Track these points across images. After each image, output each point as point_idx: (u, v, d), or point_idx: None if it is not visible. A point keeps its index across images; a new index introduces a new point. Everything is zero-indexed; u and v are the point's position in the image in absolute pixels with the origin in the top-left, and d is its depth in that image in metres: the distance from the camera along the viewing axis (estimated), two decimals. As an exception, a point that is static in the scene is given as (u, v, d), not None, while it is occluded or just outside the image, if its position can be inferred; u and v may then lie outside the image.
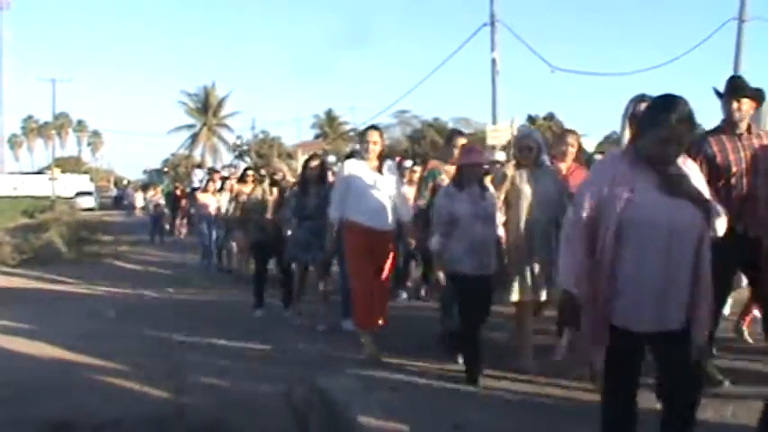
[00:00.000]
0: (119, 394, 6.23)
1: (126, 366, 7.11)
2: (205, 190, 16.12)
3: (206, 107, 74.62)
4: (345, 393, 5.14)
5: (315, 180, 9.14)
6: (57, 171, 62.00)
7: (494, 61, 23.85)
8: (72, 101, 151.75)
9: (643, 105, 5.03)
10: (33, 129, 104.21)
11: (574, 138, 7.34)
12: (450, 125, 55.08)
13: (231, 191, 13.73)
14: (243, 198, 12.66)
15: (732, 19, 21.13)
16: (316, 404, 5.14)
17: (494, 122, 23.92)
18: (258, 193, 11.01)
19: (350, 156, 8.73)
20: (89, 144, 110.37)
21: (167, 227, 26.51)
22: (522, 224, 6.42)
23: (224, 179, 16.86)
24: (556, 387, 6.04)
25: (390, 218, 7.28)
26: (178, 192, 27.96)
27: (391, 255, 7.49)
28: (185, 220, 26.07)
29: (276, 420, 5.39)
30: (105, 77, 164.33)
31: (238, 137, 65.81)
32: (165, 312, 10.47)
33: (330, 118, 69.64)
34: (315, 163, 9.34)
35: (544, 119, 45.45)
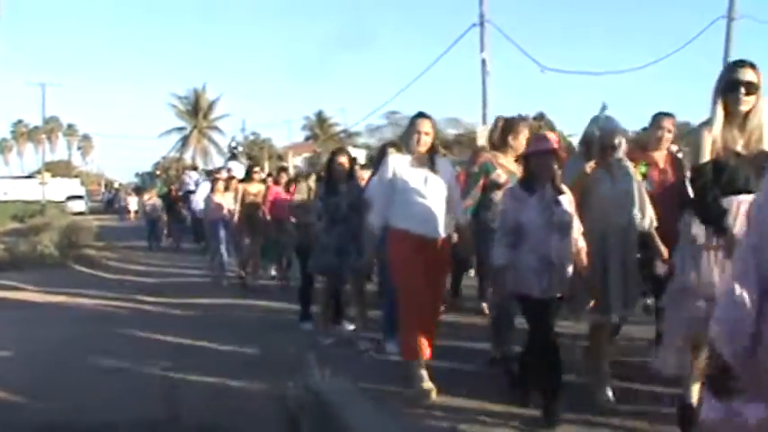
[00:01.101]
0: (112, 398, 6.21)
1: (119, 370, 7.09)
2: (212, 191, 14.74)
3: (196, 110, 74.50)
4: (339, 395, 5.14)
5: (344, 177, 8.16)
6: (47, 175, 61.89)
7: (483, 61, 23.85)
8: (62, 105, 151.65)
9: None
10: (23, 133, 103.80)
11: (669, 121, 6.52)
12: (441, 125, 55.19)
13: (236, 191, 13.19)
14: (250, 198, 12.64)
15: (721, 17, 21.24)
16: (309, 406, 5.14)
17: (484, 122, 23.92)
18: (303, 191, 9.99)
19: (383, 149, 7.95)
20: (79, 148, 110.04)
21: (165, 231, 24.87)
22: (596, 232, 5.41)
23: (230, 179, 15.63)
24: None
25: (445, 223, 6.12)
26: (172, 194, 26.17)
27: (447, 267, 6.58)
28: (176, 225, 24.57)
29: (269, 422, 5.37)
30: (95, 81, 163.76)
31: (233, 138, 65.77)
32: (159, 317, 10.45)
33: (321, 119, 69.75)
34: (343, 158, 8.25)
35: (534, 118, 45.27)
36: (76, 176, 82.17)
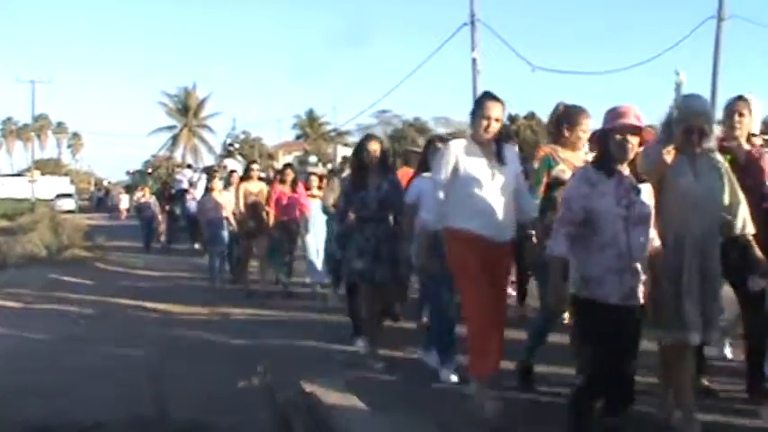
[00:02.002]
0: (100, 397, 6.17)
1: (107, 369, 7.07)
2: (209, 189, 13.74)
3: (186, 108, 74.35)
4: (331, 395, 5.15)
5: (376, 169, 6.99)
6: (36, 173, 61.66)
7: (474, 61, 23.90)
8: (52, 102, 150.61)
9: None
10: (12, 131, 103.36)
11: (745, 105, 5.48)
12: (431, 124, 55.27)
13: (237, 189, 12.41)
14: (251, 198, 11.94)
15: (711, 18, 21.31)
16: (301, 406, 5.14)
17: (474, 122, 23.94)
18: (336, 188, 8.71)
19: (430, 142, 6.96)
20: (69, 146, 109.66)
21: (161, 229, 23.20)
22: (671, 236, 4.67)
23: (230, 174, 14.64)
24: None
25: (512, 225, 5.44)
26: (167, 192, 24.76)
27: (509, 274, 5.81)
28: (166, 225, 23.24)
29: (260, 423, 5.37)
30: (85, 79, 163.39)
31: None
32: (150, 317, 10.41)
33: (311, 118, 69.62)
34: (375, 146, 7.03)
35: (525, 118, 45.41)
36: (66, 174, 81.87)
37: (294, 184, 11.89)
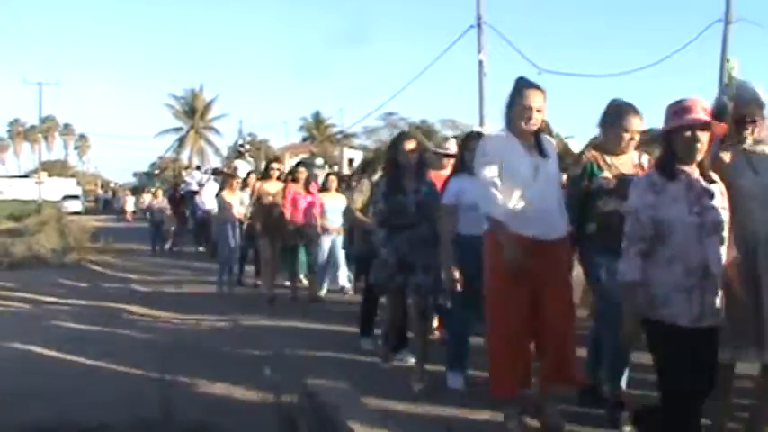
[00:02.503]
0: (105, 399, 6.17)
1: (112, 371, 7.07)
2: (223, 189, 13.34)
3: (193, 110, 74.50)
4: (335, 396, 5.15)
5: (413, 171, 6.34)
6: (43, 175, 61.79)
7: (480, 63, 23.85)
8: (59, 104, 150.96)
9: None
10: (20, 132, 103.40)
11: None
12: (438, 127, 55.30)
13: (253, 190, 12.02)
14: (268, 199, 11.28)
15: (718, 21, 21.24)
16: (305, 408, 5.14)
17: (481, 124, 23.91)
18: (365, 189, 7.85)
19: (468, 138, 6.30)
20: (76, 148, 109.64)
21: (171, 233, 22.58)
22: (741, 241, 4.16)
23: (248, 175, 14.45)
24: None
25: (565, 220, 4.96)
26: (178, 195, 24.22)
27: (568, 272, 5.13)
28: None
29: (265, 424, 5.36)
30: (92, 81, 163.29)
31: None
32: (154, 316, 10.43)
33: (317, 121, 69.72)
34: (411, 145, 6.37)
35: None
36: (73, 176, 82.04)
37: (307, 183, 11.61)
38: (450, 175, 6.38)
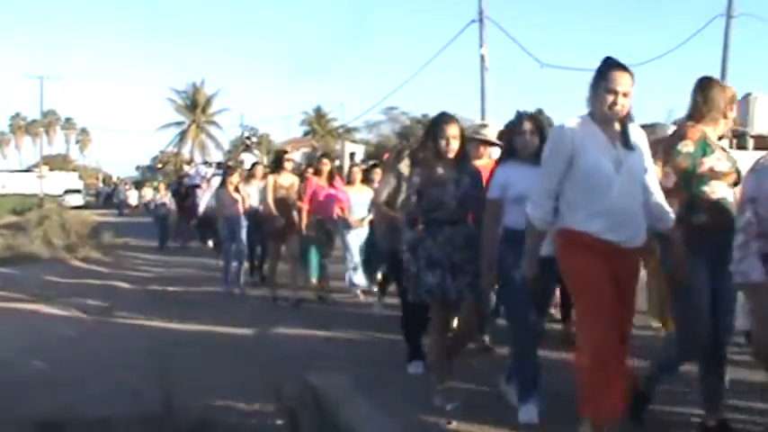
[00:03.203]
0: (107, 393, 6.16)
1: (115, 365, 7.06)
2: (225, 183, 12.40)
3: (194, 104, 74.48)
4: (337, 391, 5.13)
5: (454, 160, 5.44)
6: (45, 169, 61.84)
7: (482, 57, 23.87)
8: (60, 98, 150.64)
9: None
10: (21, 126, 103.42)
11: None
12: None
13: (267, 182, 10.91)
14: (281, 192, 10.51)
15: (720, 15, 21.25)
16: (308, 402, 5.13)
17: (482, 118, 23.94)
18: (392, 181, 6.95)
19: (526, 120, 5.31)
20: (77, 142, 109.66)
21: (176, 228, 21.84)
22: None
23: (253, 166, 14.18)
24: None
25: (644, 225, 4.31)
26: (183, 189, 23.09)
27: (635, 286, 4.51)
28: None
29: (267, 419, 5.37)
30: (93, 75, 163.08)
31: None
32: (156, 312, 10.41)
33: (319, 115, 69.72)
34: (455, 131, 5.40)
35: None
36: (74, 170, 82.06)
37: (331, 176, 10.82)
38: (497, 164, 5.61)
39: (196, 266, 16.22)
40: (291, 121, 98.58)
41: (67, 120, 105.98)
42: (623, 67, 4.17)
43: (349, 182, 10.93)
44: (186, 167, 32.20)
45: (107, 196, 62.56)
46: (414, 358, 6.60)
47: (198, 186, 20.33)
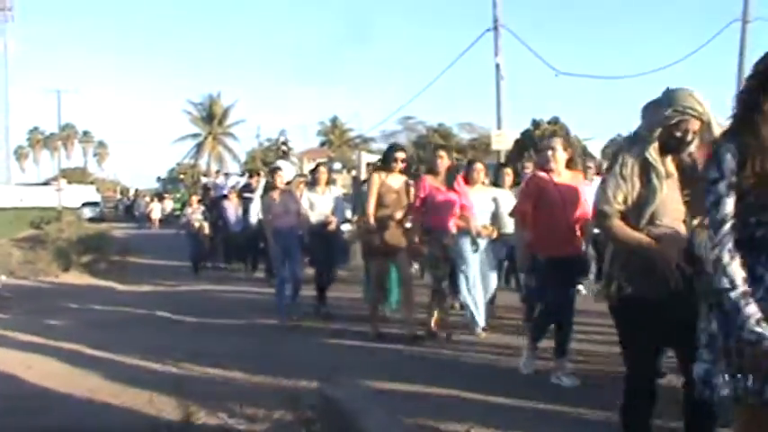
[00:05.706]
0: (122, 405, 6.16)
1: (129, 376, 7.06)
2: (271, 187, 10.33)
3: (211, 116, 74.91)
4: (354, 402, 5.12)
5: None
6: (63, 182, 62.19)
7: (498, 66, 23.87)
8: (78, 112, 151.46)
9: None
10: (39, 140, 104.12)
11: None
12: (455, 130, 55.35)
13: (371, 183, 8.51)
14: (391, 197, 8.10)
15: (735, 20, 21.14)
16: (324, 413, 5.13)
17: (498, 127, 23.96)
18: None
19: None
20: (95, 155, 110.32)
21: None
22: None
23: (316, 167, 11.38)
24: None
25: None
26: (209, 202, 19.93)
27: None
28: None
29: (283, 429, 5.36)
30: (111, 88, 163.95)
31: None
32: (169, 323, 10.44)
33: (335, 125, 69.93)
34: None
35: (549, 123, 45.24)
36: (92, 183, 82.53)
37: (451, 177, 8.25)
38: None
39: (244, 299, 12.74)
40: (308, 131, 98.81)
41: (85, 133, 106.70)
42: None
43: (469, 181, 8.55)
44: (204, 179, 31.41)
45: (126, 209, 62.66)
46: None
47: (226, 197, 17.90)
